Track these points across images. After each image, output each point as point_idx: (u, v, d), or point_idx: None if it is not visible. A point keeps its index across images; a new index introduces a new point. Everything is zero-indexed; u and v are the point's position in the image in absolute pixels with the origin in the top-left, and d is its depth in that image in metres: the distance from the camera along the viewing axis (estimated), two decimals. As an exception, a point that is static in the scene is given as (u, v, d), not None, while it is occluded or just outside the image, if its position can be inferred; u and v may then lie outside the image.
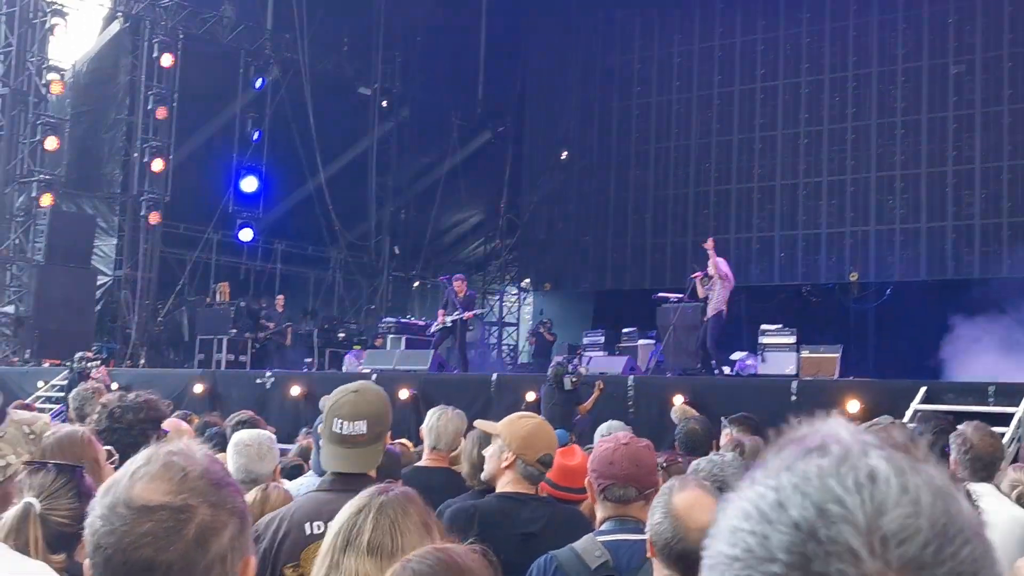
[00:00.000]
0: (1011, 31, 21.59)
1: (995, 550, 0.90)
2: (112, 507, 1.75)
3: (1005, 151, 21.44)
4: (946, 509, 0.88)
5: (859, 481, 0.88)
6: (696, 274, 17.12)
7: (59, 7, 21.85)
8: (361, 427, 3.85)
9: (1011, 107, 21.41)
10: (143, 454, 1.85)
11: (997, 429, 10.68)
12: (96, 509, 1.78)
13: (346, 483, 3.76)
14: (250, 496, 4.27)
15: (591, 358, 18.06)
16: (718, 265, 16.84)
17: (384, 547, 2.64)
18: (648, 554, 3.21)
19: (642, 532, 3.43)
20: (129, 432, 4.23)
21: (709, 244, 17.01)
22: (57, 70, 21.96)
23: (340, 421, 3.86)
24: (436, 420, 5.97)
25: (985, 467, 5.34)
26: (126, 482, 1.78)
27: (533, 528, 4.02)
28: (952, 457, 5.47)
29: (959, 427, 5.61)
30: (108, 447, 3.76)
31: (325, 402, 4.05)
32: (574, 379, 13.10)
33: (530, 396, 14.30)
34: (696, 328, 17.09)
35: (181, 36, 23.53)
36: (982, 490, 4.96)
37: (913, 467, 0.90)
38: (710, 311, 16.68)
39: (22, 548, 2.64)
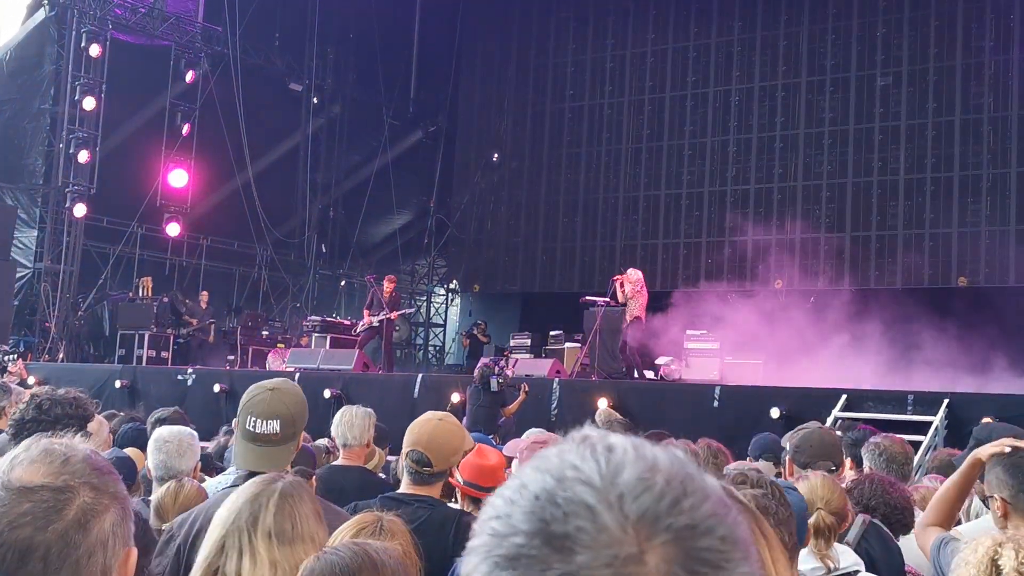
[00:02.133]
0: (936, 45, 21.93)
1: (744, 524, 0.91)
2: None
3: (928, 164, 21.76)
4: (686, 471, 0.90)
5: (596, 452, 0.90)
6: (617, 277, 17.24)
7: (-16, -7, 21.46)
8: (274, 426, 3.80)
9: (935, 120, 21.75)
10: (23, 444, 1.80)
11: (915, 438, 10.89)
12: None
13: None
14: (163, 490, 4.20)
15: (517, 360, 18.07)
16: (630, 287, 17.03)
17: (285, 532, 2.61)
18: None
19: None
20: (54, 426, 4.16)
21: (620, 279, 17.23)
22: (-20, 58, 21.58)
23: (253, 419, 3.82)
24: (341, 418, 5.98)
25: (899, 467, 5.47)
26: (5, 467, 1.74)
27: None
28: (866, 464, 5.57)
29: (871, 439, 5.77)
30: None
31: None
32: (500, 381, 13.09)
33: (455, 397, 14.28)
34: (620, 332, 17.17)
35: (110, 26, 23.18)
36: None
37: (656, 444, 0.93)
38: (628, 316, 16.80)
39: None
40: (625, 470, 0.87)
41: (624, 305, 17.21)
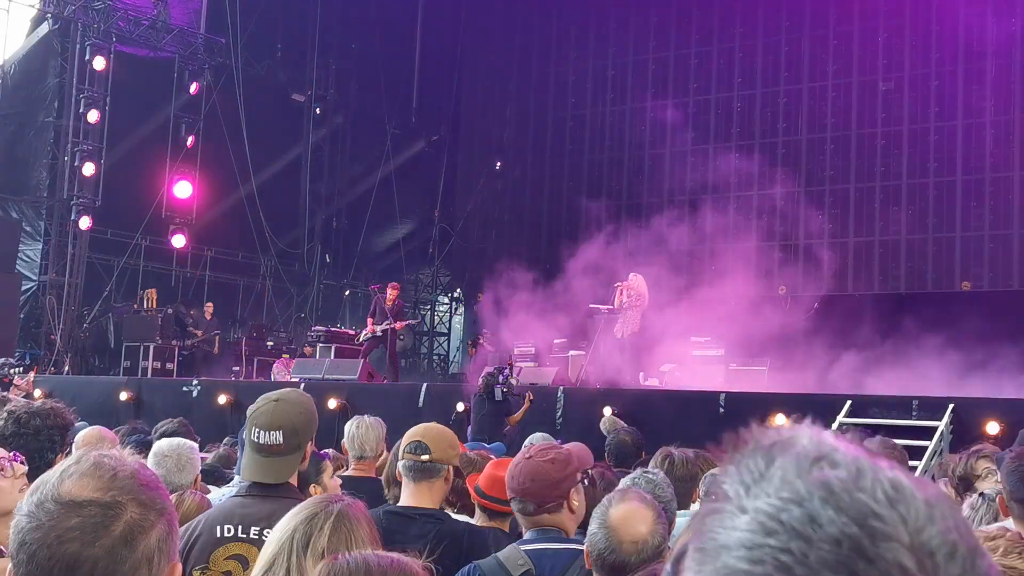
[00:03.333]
0: (938, 50, 21.97)
1: None
2: (40, 504, 1.74)
3: (931, 168, 21.78)
4: (964, 522, 0.87)
5: (888, 495, 0.85)
6: (619, 284, 17.37)
7: (-12, 7, 21.52)
8: (277, 437, 3.81)
9: (936, 124, 21.77)
10: (73, 456, 1.84)
11: (920, 443, 10.90)
12: (23, 508, 1.76)
13: (264, 490, 3.74)
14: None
15: (522, 369, 18.07)
16: (628, 296, 17.22)
17: (343, 538, 2.63)
18: (587, 565, 3.24)
19: (564, 541, 3.47)
20: (36, 438, 4.18)
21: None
22: (-15, 72, 21.64)
23: (257, 430, 3.83)
24: (355, 429, 5.95)
25: None
26: (55, 480, 1.77)
27: (414, 547, 4.01)
28: None
29: (864, 443, 5.72)
30: (15, 451, 3.71)
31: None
32: (505, 389, 13.10)
33: (460, 406, 14.29)
34: (623, 339, 17.24)
35: (113, 39, 23.23)
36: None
37: (920, 479, 0.89)
38: (622, 330, 16.97)
39: None
40: (927, 526, 0.83)
41: (620, 311, 17.36)
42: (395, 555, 2.44)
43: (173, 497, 4.37)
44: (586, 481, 3.93)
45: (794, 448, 0.88)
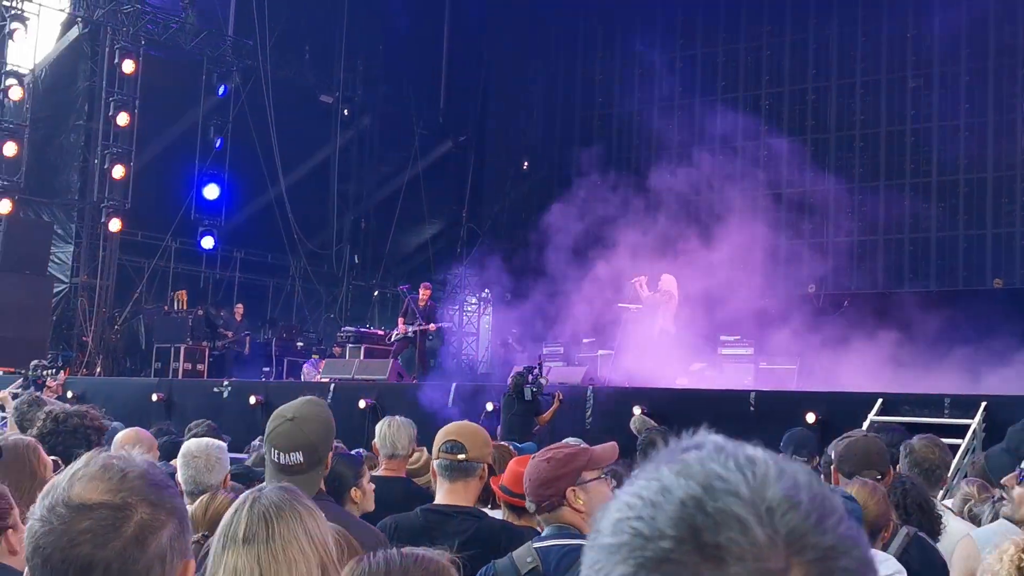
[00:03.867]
0: (968, 46, 21.83)
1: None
2: (51, 508, 1.76)
3: (961, 165, 21.65)
4: (823, 490, 0.92)
5: (739, 463, 0.92)
6: (636, 279, 17.53)
7: (19, 12, 21.64)
8: (298, 457, 3.83)
9: (967, 121, 21.63)
10: (83, 458, 1.86)
11: (952, 441, 10.82)
12: (36, 512, 1.78)
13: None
14: (197, 503, 4.24)
15: (551, 368, 18.06)
16: (667, 294, 17.33)
17: (258, 535, 2.62)
18: None
19: (575, 538, 3.55)
20: (74, 435, 4.24)
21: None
22: (16, 75, 21.76)
23: (277, 451, 3.85)
24: (387, 428, 5.96)
25: (923, 473, 5.41)
26: (65, 483, 1.79)
27: (451, 544, 4.01)
28: (899, 466, 5.53)
29: (908, 440, 5.69)
30: (54, 457, 3.76)
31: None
32: (534, 389, 13.11)
33: (489, 406, 14.29)
34: (651, 338, 17.25)
35: (142, 42, 23.36)
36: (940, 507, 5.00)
37: (786, 459, 0.95)
38: (658, 328, 17.11)
39: None
40: (771, 485, 0.90)
41: (640, 307, 17.48)
42: (419, 551, 2.45)
43: (205, 497, 4.41)
44: (610, 477, 3.92)
45: (678, 446, 0.97)
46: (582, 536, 3.59)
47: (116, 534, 1.72)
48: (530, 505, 3.74)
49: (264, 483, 4.99)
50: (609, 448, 3.84)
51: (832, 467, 5.11)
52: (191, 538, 1.86)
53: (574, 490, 3.65)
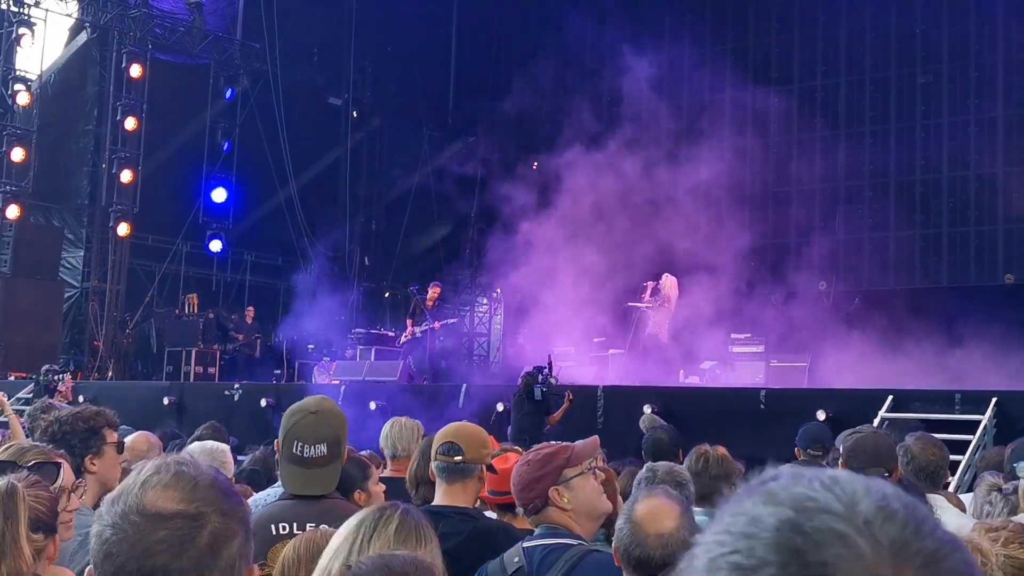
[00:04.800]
0: (977, 42, 21.75)
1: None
2: (124, 515, 1.76)
3: (972, 160, 21.57)
4: (910, 499, 0.93)
5: (824, 483, 0.92)
6: (648, 283, 17.73)
7: (26, 17, 21.71)
8: (322, 449, 3.86)
9: (976, 117, 21.56)
10: (152, 464, 1.87)
11: (963, 437, 10.79)
12: (105, 518, 1.79)
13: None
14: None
15: (562, 368, 18.05)
16: (664, 296, 17.57)
17: (410, 538, 2.63)
18: (615, 561, 3.27)
19: (561, 537, 3.56)
20: (75, 436, 4.26)
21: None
22: (24, 81, 21.83)
23: (300, 444, 3.86)
24: (390, 429, 6.00)
25: (928, 477, 5.39)
26: (137, 491, 1.79)
27: (447, 545, 4.00)
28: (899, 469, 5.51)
29: (905, 439, 5.66)
30: (60, 451, 3.79)
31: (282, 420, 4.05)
32: (544, 389, 13.08)
33: (500, 406, 14.28)
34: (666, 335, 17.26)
35: (150, 46, 23.41)
36: (935, 502, 4.98)
37: (865, 475, 0.96)
38: (655, 331, 17.32)
39: (8, 520, 2.73)
40: (861, 499, 0.90)
41: (647, 308, 17.63)
42: (402, 553, 2.44)
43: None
44: (596, 472, 3.89)
45: (749, 484, 0.97)
46: (571, 535, 3.58)
47: (192, 544, 1.74)
48: (518, 509, 3.74)
49: (277, 482, 5.00)
50: (590, 443, 3.82)
51: (840, 462, 5.10)
52: (253, 545, 1.87)
53: (557, 489, 3.65)
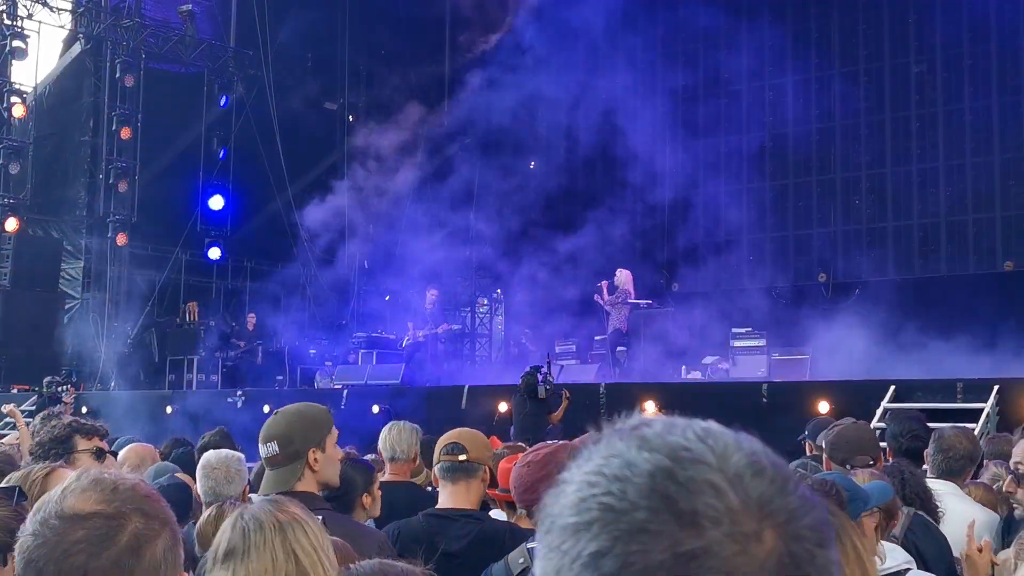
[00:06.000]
0: (969, 30, 21.74)
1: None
2: (44, 521, 1.76)
3: (968, 148, 21.57)
4: (776, 457, 0.96)
5: (698, 433, 0.95)
6: (603, 282, 18.14)
7: (20, 30, 21.72)
8: (273, 448, 3.87)
9: (971, 105, 21.55)
10: (73, 474, 1.86)
11: (967, 425, 10.79)
12: (28, 527, 1.78)
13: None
14: (204, 516, 4.25)
15: (563, 366, 18.08)
16: (623, 290, 17.97)
17: (236, 550, 2.62)
18: None
19: None
20: (64, 444, 4.28)
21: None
22: (19, 93, 21.85)
23: (261, 444, 3.92)
24: (388, 432, 6.01)
25: (948, 461, 5.40)
26: (57, 497, 1.79)
27: (455, 548, 3.98)
28: (926, 451, 5.53)
29: (939, 427, 5.69)
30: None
31: None
32: (547, 387, 13.10)
33: (502, 407, 14.29)
34: (664, 333, 17.32)
35: (143, 56, 23.41)
36: (943, 488, 5.00)
37: (739, 432, 0.98)
38: (615, 326, 17.71)
39: None
40: (733, 453, 0.93)
41: (608, 310, 18.05)
42: (402, 564, 2.45)
43: (213, 508, 4.41)
44: None
45: (619, 425, 0.99)
46: None
47: (111, 543, 1.71)
48: (521, 511, 3.75)
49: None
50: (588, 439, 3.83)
51: (825, 457, 5.12)
52: (182, 551, 1.84)
53: None
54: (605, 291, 18.60)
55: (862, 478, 4.01)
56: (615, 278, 18.61)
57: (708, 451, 0.92)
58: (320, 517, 2.84)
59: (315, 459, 3.96)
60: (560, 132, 27.46)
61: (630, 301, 18.43)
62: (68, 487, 1.79)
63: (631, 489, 0.90)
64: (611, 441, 0.96)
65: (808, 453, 6.99)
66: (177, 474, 6.22)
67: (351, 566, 2.40)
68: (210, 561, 2.65)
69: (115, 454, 6.19)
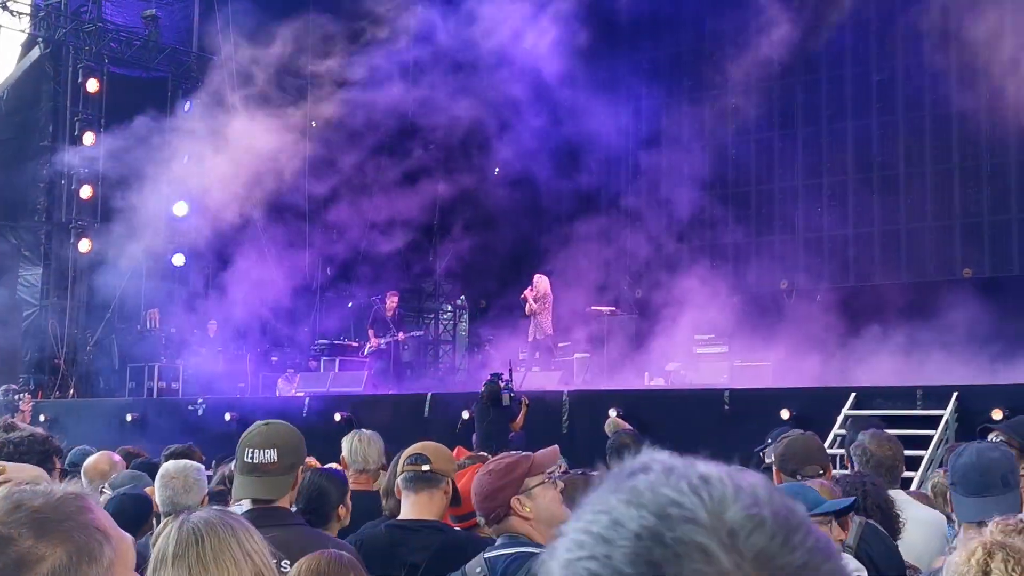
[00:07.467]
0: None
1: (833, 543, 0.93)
2: None
3: (928, 156, 21.72)
4: (783, 502, 0.89)
5: (693, 484, 0.88)
6: (526, 292, 18.42)
7: (-23, 34, 21.56)
8: (272, 455, 3.86)
9: (932, 113, 21.71)
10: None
11: (925, 432, 10.90)
12: None
13: (266, 516, 3.75)
14: (159, 528, 4.23)
15: (526, 373, 18.08)
16: (542, 295, 18.29)
17: (189, 552, 2.62)
18: None
19: (523, 546, 3.57)
20: (28, 457, 4.24)
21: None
22: (-24, 99, 21.69)
23: (251, 450, 3.89)
24: (357, 442, 6.00)
25: (886, 472, 5.45)
26: None
27: (417, 559, 4.00)
28: (855, 467, 5.58)
29: (858, 437, 5.74)
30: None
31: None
32: (511, 394, 13.14)
33: (465, 414, 14.28)
34: (631, 339, 17.38)
35: (106, 60, 23.26)
36: (894, 496, 5.04)
37: (741, 471, 0.92)
38: (540, 333, 18.02)
39: None
40: (730, 505, 0.86)
41: (532, 317, 18.37)
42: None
43: (167, 520, 4.39)
44: (557, 481, 3.92)
45: (623, 470, 0.93)
46: (532, 543, 3.60)
47: None
48: (479, 519, 3.76)
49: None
50: (550, 452, 3.85)
51: (775, 469, 5.15)
52: (100, 569, 1.81)
53: (519, 499, 3.66)
54: (531, 300, 18.92)
55: (819, 488, 4.04)
56: (534, 286, 19.00)
57: (701, 506, 0.86)
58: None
59: (299, 477, 4.01)
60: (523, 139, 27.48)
61: (549, 305, 18.93)
62: None
63: (616, 554, 0.85)
64: (603, 493, 0.91)
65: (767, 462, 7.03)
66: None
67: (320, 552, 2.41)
68: (151, 567, 2.64)
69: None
